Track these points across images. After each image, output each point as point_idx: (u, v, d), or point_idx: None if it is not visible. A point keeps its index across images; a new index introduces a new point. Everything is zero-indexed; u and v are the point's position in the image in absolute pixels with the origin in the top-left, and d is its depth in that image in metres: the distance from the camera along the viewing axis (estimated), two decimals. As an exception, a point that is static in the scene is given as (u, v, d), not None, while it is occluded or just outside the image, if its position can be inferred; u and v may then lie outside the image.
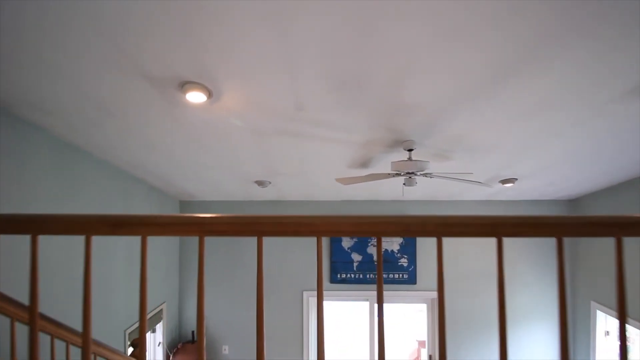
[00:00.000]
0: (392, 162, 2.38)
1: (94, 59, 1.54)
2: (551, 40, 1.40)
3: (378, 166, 2.95)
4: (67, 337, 1.86)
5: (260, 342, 0.86)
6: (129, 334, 3.41)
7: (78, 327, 1.89)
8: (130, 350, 3.22)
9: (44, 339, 1.85)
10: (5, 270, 1.95)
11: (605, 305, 3.95)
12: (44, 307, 1.62)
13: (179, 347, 4.32)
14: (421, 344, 6.09)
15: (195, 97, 1.80)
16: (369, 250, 4.47)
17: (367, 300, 4.61)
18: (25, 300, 1.28)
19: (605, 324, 4.06)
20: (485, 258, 4.51)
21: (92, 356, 1.92)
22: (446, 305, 4.46)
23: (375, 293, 4.62)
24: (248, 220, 0.84)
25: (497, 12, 1.25)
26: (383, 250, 4.47)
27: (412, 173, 2.40)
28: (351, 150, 2.59)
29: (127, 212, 3.36)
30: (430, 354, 4.69)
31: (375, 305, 4.15)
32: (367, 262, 4.48)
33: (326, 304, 4.78)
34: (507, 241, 4.60)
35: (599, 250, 4.08)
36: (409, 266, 4.47)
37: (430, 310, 4.69)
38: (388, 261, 4.48)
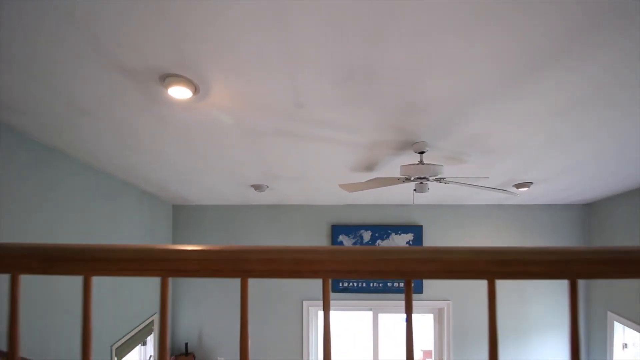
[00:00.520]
0: (401, 166, 2.14)
1: (66, 52, 1.32)
2: (584, 35, 1.22)
3: (385, 170, 2.72)
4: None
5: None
6: (116, 349, 3.18)
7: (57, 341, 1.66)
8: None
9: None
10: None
11: (623, 316, 3.72)
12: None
13: (171, 360, 4.08)
14: (426, 353, 5.86)
15: (179, 92, 1.56)
16: (373, 257, 4.23)
17: (370, 310, 4.37)
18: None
19: (623, 335, 3.83)
20: (496, 266, 4.27)
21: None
22: (454, 314, 4.23)
23: (379, 302, 4.42)
24: (229, 256, 0.61)
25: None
26: (387, 257, 4.23)
27: (424, 178, 2.17)
28: (356, 152, 2.36)
29: (115, 218, 3.12)
30: (437, 366, 4.46)
31: (380, 315, 3.88)
32: (370, 270, 4.23)
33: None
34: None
35: (616, 258, 3.84)
36: (414, 274, 4.22)
37: (437, 320, 4.45)
38: (393, 269, 4.23)
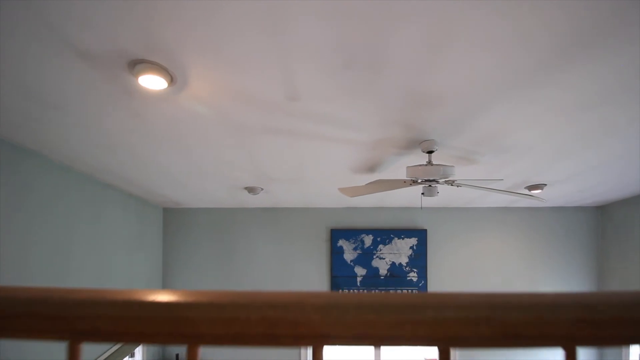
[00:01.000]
0: (407, 167, 1.92)
1: (21, 37, 1.11)
2: (613, 27, 1.05)
3: (389, 171, 2.50)
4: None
5: None
6: (99, 364, 2.95)
7: None
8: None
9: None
10: None
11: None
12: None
13: (161, 372, 3.85)
14: (430, 361, 5.63)
15: (152, 82, 1.34)
16: (374, 263, 4.02)
17: (371, 318, 4.14)
18: None
19: (641, 347, 3.61)
20: (506, 272, 4.05)
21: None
22: (460, 324, 3.99)
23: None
24: (164, 312, 0.39)
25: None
26: (389, 263, 4.02)
27: (433, 180, 1.94)
28: (357, 152, 2.14)
29: (98, 223, 2.90)
30: (442, 377, 4.23)
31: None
32: (371, 277, 4.02)
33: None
34: (525, 255, 4.17)
35: (632, 264, 3.63)
36: (418, 281, 4.01)
37: (442, 329, 4.22)
38: (395, 276, 4.02)
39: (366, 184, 2.11)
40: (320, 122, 1.73)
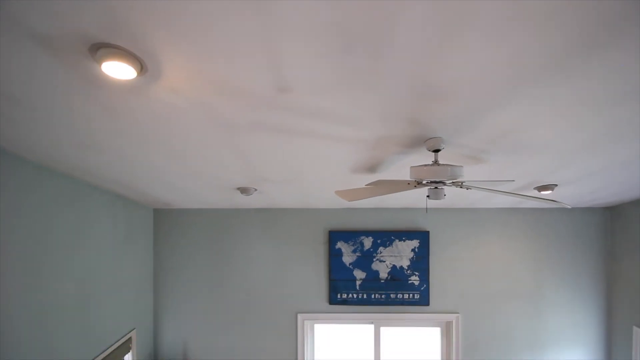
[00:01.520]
0: (411, 168, 1.74)
1: None
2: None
3: (391, 171, 2.32)
4: None
5: None
6: (84, 375, 2.78)
7: None
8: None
9: None
10: None
11: (653, 332, 3.34)
12: None
13: (152, 380, 3.69)
14: (431, 366, 5.47)
15: (119, 70, 1.16)
16: (374, 266, 3.85)
17: (372, 323, 3.98)
18: None
19: (653, 354, 3.45)
20: (512, 276, 3.89)
21: None
22: (465, 328, 3.85)
23: (381, 315, 4.03)
24: None
25: None
26: (390, 266, 3.85)
27: (440, 182, 1.77)
28: (357, 151, 1.96)
29: (82, 226, 2.72)
30: (444, 384, 4.07)
31: (381, 329, 3.49)
32: (371, 280, 3.85)
33: (324, 327, 4.15)
34: (531, 258, 4.00)
35: (645, 268, 3.47)
36: (420, 285, 3.84)
37: (444, 335, 4.06)
38: (396, 279, 3.85)
39: (366, 186, 1.93)
40: (315, 117, 1.55)
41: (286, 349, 3.93)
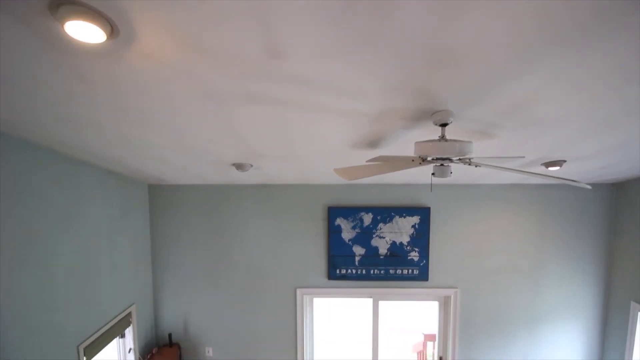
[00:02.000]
0: (416, 143, 1.62)
1: None
2: None
3: (394, 147, 2.19)
4: None
5: None
6: (84, 349, 2.81)
7: None
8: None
9: None
10: None
11: (651, 307, 3.36)
12: None
13: (154, 352, 3.76)
14: (427, 337, 5.62)
15: (85, 31, 1.01)
16: (374, 242, 3.81)
17: (370, 297, 4.01)
18: None
19: (649, 328, 3.49)
20: (513, 252, 3.86)
21: None
22: (463, 302, 3.88)
23: (380, 290, 4.05)
24: None
25: None
26: (390, 242, 3.81)
27: (447, 159, 1.65)
28: (357, 125, 1.82)
29: (74, 204, 2.63)
30: (441, 355, 4.18)
31: (380, 302, 3.52)
32: (370, 256, 3.83)
33: (323, 301, 4.20)
34: (532, 234, 3.95)
35: (647, 244, 3.43)
36: (420, 261, 3.83)
37: (442, 308, 4.11)
38: (396, 255, 3.82)
39: (367, 162, 1.81)
40: (311, 87, 1.41)
41: (286, 322, 3.99)
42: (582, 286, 3.88)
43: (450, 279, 3.90)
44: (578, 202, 3.78)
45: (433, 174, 1.73)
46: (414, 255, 3.82)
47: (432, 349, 5.39)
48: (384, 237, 3.80)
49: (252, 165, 2.83)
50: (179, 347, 3.92)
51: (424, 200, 3.80)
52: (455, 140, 1.56)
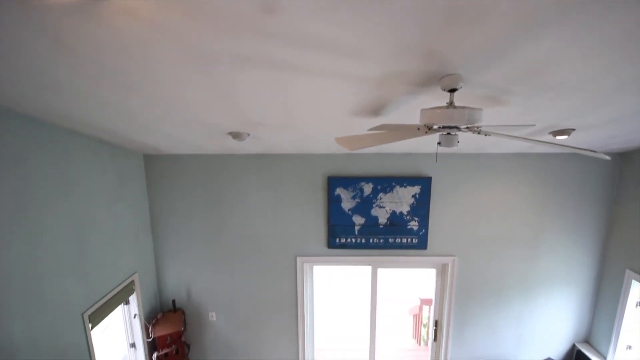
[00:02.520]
0: (422, 110, 1.52)
1: None
2: None
3: (398, 115, 2.08)
4: None
5: None
6: (89, 316, 2.87)
7: None
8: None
9: None
10: None
11: (645, 275, 3.42)
12: None
13: (158, 317, 3.88)
14: (424, 301, 5.82)
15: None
16: (374, 212, 3.79)
17: (369, 265, 4.07)
18: None
19: (640, 294, 3.58)
20: (513, 222, 3.86)
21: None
22: (460, 269, 3.95)
23: (379, 258, 4.11)
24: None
25: None
26: (390, 212, 3.80)
27: (454, 127, 1.55)
28: (359, 90, 1.71)
29: (66, 175, 2.56)
30: (436, 319, 4.33)
31: (378, 270, 3.58)
32: (370, 226, 3.83)
33: (322, 269, 4.27)
34: (533, 204, 3.92)
35: (648, 214, 3.42)
36: (419, 230, 3.83)
37: (440, 275, 4.19)
38: (396, 225, 3.83)
39: (369, 131, 1.72)
40: (310, 47, 1.28)
41: (286, 289, 4.08)
42: (579, 254, 3.92)
43: (449, 248, 3.94)
44: (580, 172, 3.72)
45: (439, 143, 1.64)
46: (414, 225, 3.83)
47: (427, 313, 5.61)
48: (384, 207, 3.78)
49: (249, 135, 2.72)
50: (183, 312, 4.04)
51: (425, 170, 3.74)
52: (464, 107, 1.46)
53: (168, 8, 1.04)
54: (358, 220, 3.82)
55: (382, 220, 3.81)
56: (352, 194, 3.76)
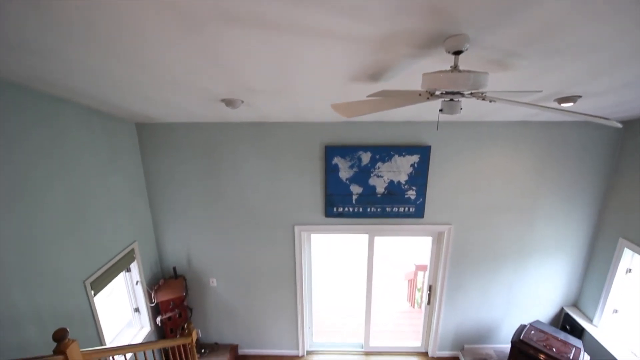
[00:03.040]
0: (424, 75, 1.43)
1: None
2: None
3: (399, 80, 1.98)
4: None
5: None
6: (91, 284, 2.93)
7: None
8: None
9: None
10: None
11: (637, 243, 3.47)
12: None
13: (160, 283, 3.98)
14: (419, 267, 5.98)
15: None
16: (372, 181, 3.77)
17: (366, 233, 4.12)
18: None
19: (631, 261, 3.66)
20: (511, 190, 3.86)
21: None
22: (456, 237, 4.00)
23: (376, 227, 4.14)
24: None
25: None
26: (387, 181, 3.77)
27: (458, 93, 1.48)
28: (358, 53, 1.60)
29: (56, 140, 2.49)
30: (430, 284, 4.46)
31: (375, 238, 3.65)
32: (368, 195, 3.82)
33: (320, 237, 4.33)
34: (532, 172, 3.90)
35: (646, 183, 3.41)
36: (417, 199, 3.84)
37: (435, 243, 4.26)
38: (393, 194, 3.82)
39: (368, 97, 1.64)
40: (303, 3, 1.17)
41: (285, 257, 4.15)
42: (574, 222, 3.97)
43: (446, 216, 3.96)
44: (582, 140, 3.67)
45: (441, 110, 1.56)
46: (411, 194, 3.82)
47: (422, 278, 5.78)
48: (382, 176, 3.75)
49: (242, 102, 2.62)
50: (184, 279, 4.14)
51: (425, 138, 3.66)
52: (469, 71, 1.37)
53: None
54: (356, 189, 3.81)
55: (380, 189, 3.80)
56: (350, 164, 3.71)
